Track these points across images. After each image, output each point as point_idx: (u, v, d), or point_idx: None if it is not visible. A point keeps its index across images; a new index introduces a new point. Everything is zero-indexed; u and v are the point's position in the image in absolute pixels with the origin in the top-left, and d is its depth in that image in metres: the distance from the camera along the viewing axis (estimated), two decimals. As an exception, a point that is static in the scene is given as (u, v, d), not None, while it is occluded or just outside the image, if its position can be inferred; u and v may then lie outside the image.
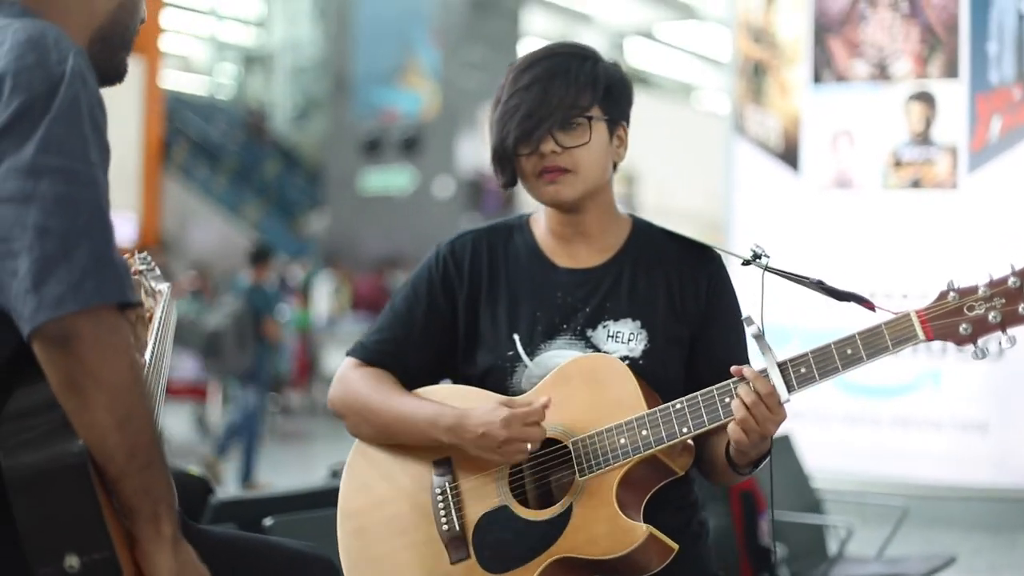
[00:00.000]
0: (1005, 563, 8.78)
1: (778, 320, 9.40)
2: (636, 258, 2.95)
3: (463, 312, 2.97)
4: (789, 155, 10.73)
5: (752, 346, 2.75)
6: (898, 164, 10.26)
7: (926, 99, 10.19)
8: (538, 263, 2.97)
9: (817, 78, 10.57)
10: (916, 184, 10.21)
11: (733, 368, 2.66)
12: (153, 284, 2.88)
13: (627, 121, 2.97)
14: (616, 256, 2.96)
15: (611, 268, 2.94)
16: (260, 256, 13.22)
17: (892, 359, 8.01)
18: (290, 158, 32.33)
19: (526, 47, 26.09)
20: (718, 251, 2.99)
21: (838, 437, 10.15)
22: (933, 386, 10.08)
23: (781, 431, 7.69)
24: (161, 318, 2.76)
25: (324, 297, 20.56)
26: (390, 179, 26.40)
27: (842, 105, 10.51)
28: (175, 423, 15.51)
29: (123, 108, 24.26)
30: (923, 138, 10.19)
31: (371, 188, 26.58)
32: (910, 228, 10.19)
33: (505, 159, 2.89)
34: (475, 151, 25.35)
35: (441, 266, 3.00)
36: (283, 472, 13.25)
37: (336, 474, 5.32)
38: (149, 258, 2.98)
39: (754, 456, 2.72)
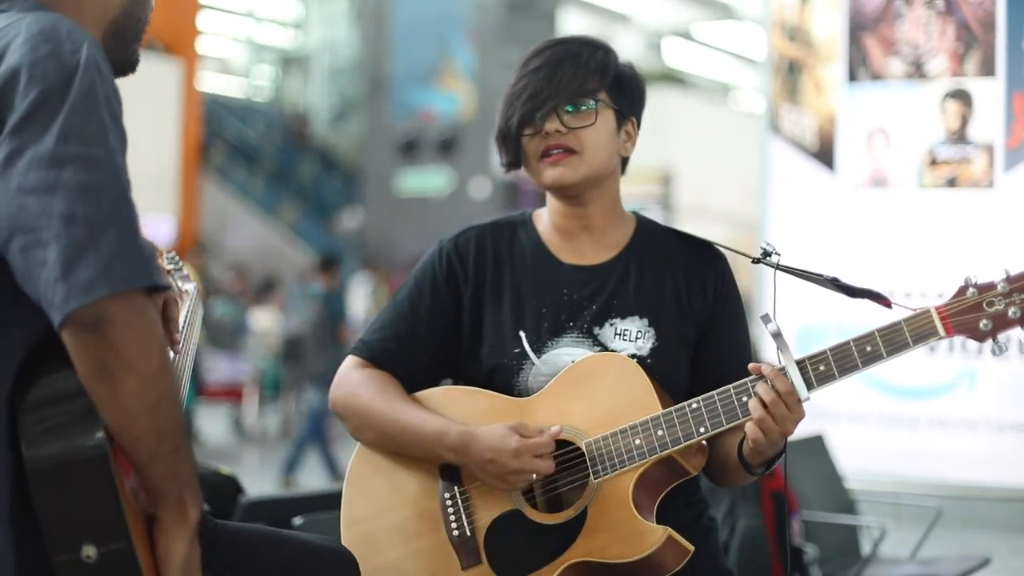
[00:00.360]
0: (1042, 564, 8.74)
1: (815, 320, 9.34)
2: (642, 255, 2.92)
3: (468, 309, 2.94)
4: (824, 154, 10.67)
5: (770, 345, 2.72)
6: (934, 163, 10.18)
7: (962, 97, 10.12)
8: (543, 259, 2.94)
9: (852, 76, 10.51)
10: (952, 183, 10.14)
11: (751, 366, 2.63)
12: (180, 284, 2.90)
13: (637, 120, 2.94)
14: (622, 253, 2.93)
15: (617, 265, 2.91)
16: (328, 264, 13.44)
17: (927, 359, 7.98)
18: (327, 159, 32.40)
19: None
20: (723, 250, 2.96)
21: (872, 437, 10.10)
22: (969, 386, 10.01)
23: (814, 431, 7.72)
24: (187, 318, 2.77)
25: (361, 298, 20.58)
26: (427, 180, 26.44)
27: (877, 103, 10.44)
28: (211, 424, 15.56)
29: (161, 111, 24.36)
30: (959, 136, 10.12)
31: (408, 189, 26.61)
32: (946, 227, 10.12)
33: (509, 139, 2.87)
34: (512, 152, 25.24)
35: (445, 262, 2.97)
36: (316, 473, 13.29)
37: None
38: (177, 257, 3.00)
39: (769, 455, 2.70)
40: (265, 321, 16.75)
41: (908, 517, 7.75)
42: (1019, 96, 9.91)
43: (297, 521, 4.26)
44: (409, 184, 26.65)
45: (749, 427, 2.61)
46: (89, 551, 2.02)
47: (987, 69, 10.02)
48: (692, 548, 2.70)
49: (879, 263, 9.78)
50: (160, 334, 2.08)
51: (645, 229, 2.99)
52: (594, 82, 2.84)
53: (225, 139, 29.66)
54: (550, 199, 2.95)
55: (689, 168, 26.42)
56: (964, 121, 10.09)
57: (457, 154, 25.97)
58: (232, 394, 15.49)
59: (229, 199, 27.91)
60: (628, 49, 30.60)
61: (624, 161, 2.98)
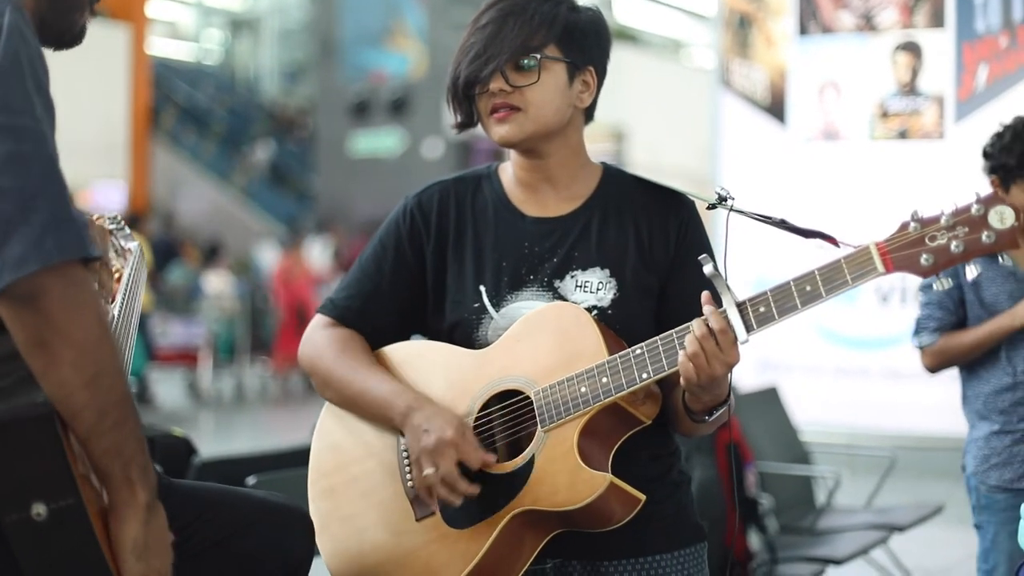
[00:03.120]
0: (996, 512, 8.78)
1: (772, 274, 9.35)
2: (606, 206, 2.89)
3: (431, 265, 2.92)
4: (775, 108, 10.69)
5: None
6: (885, 115, 10.22)
7: (912, 49, 10.15)
8: (505, 213, 2.91)
9: (803, 30, 10.53)
10: (903, 135, 10.18)
11: (704, 294, 2.59)
12: (123, 243, 2.88)
13: (596, 68, 2.90)
14: (585, 204, 2.89)
15: (580, 217, 2.88)
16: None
17: (879, 310, 7.98)
18: (278, 123, 32.25)
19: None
20: (690, 197, 2.93)
21: (826, 389, 10.16)
22: (922, 337, 10.07)
23: (768, 383, 7.72)
24: (131, 276, 2.74)
25: (317, 260, 20.55)
26: (379, 141, 26.37)
27: (828, 56, 10.47)
28: (167, 389, 15.51)
29: (110, 76, 24.18)
30: (909, 88, 10.15)
31: (360, 150, 26.53)
32: (897, 179, 10.16)
33: (459, 98, 2.85)
34: (464, 112, 25.21)
35: (408, 219, 2.95)
36: (273, 436, 13.29)
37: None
38: (119, 217, 2.97)
39: (708, 401, 2.65)
40: (218, 284, 16.69)
41: (862, 467, 7.81)
42: (968, 47, 9.95)
43: (251, 481, 4.25)
44: (362, 145, 26.57)
45: (681, 361, 2.56)
46: (39, 508, 2.00)
47: (936, 20, 10.05)
48: (642, 497, 2.67)
49: (831, 215, 9.80)
50: (99, 305, 2.05)
51: (611, 179, 2.96)
52: (540, 37, 2.79)
53: (175, 104, 29.48)
54: (512, 152, 2.93)
55: (642, 125, 26.44)
56: (914, 73, 10.12)
57: (409, 115, 25.90)
58: (187, 358, 15.44)
59: (180, 164, 27.78)
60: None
61: (590, 111, 2.94)
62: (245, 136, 30.32)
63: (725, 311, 2.55)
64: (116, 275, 2.71)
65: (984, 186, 10.11)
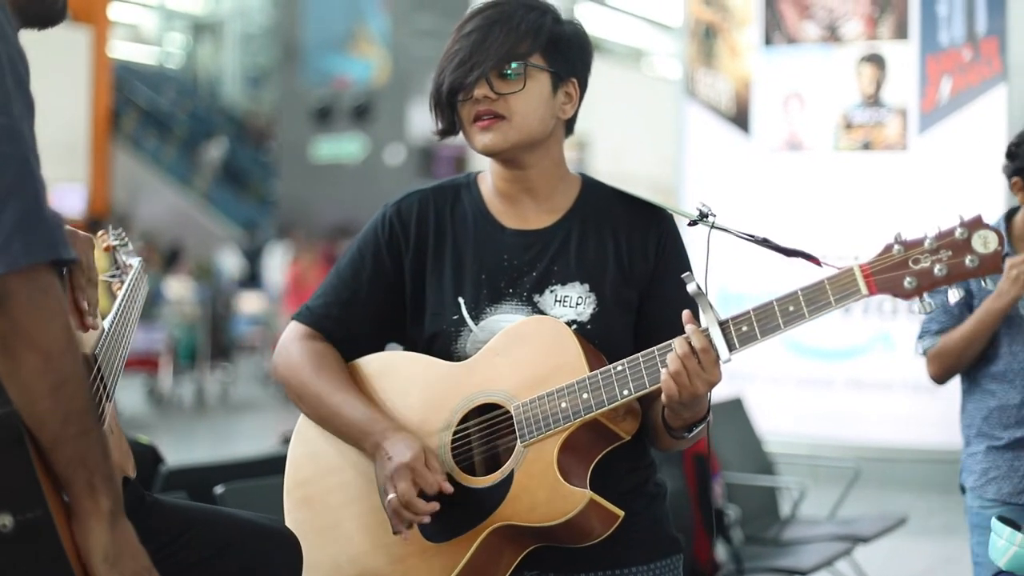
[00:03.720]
0: (957, 523, 8.79)
1: (737, 287, 9.41)
2: (585, 219, 2.87)
3: (409, 275, 2.89)
4: (740, 117, 10.72)
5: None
6: (849, 126, 10.27)
7: (876, 61, 10.20)
8: (485, 224, 2.89)
9: (768, 40, 10.57)
10: (867, 146, 10.23)
11: (685, 313, 2.59)
12: (125, 259, 2.89)
13: (579, 80, 2.89)
14: (565, 217, 2.88)
15: (559, 230, 2.86)
16: None
17: (843, 321, 8.00)
18: (240, 127, 32.15)
19: (476, 13, 26.02)
20: (669, 211, 2.93)
21: (790, 400, 10.18)
22: (884, 348, 10.12)
23: (733, 394, 7.73)
24: (128, 290, 2.72)
25: (277, 266, 20.48)
26: (341, 147, 26.30)
27: (793, 67, 10.51)
28: (127, 395, 15.42)
29: (71, 78, 24.04)
30: (874, 100, 10.20)
31: (322, 156, 26.47)
32: (861, 190, 10.22)
33: (442, 105, 2.83)
34: (426, 118, 25.15)
35: (387, 228, 2.92)
36: (234, 442, 13.24)
37: (288, 441, 5.28)
38: (123, 233, 2.95)
39: (688, 418, 2.65)
40: (179, 289, 16.62)
41: (826, 478, 7.83)
42: (932, 60, 10.00)
43: (219, 490, 4.22)
44: (324, 151, 26.50)
45: (663, 380, 2.55)
46: (5, 520, 1.96)
47: (901, 33, 10.10)
48: (621, 513, 2.66)
49: (795, 226, 9.85)
50: (65, 311, 2.00)
51: (590, 191, 2.94)
52: (525, 45, 2.77)
53: (137, 107, 29.34)
54: (491, 162, 2.90)
55: (604, 134, 26.45)
56: (878, 85, 10.18)
57: (372, 121, 25.85)
58: (147, 364, 15.34)
59: (141, 168, 27.64)
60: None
61: (570, 123, 2.93)
62: (206, 140, 30.21)
63: (707, 330, 2.55)
64: (117, 290, 2.70)
65: (948, 197, 10.19)
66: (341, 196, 25.26)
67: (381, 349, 2.96)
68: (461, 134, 2.87)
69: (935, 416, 9.99)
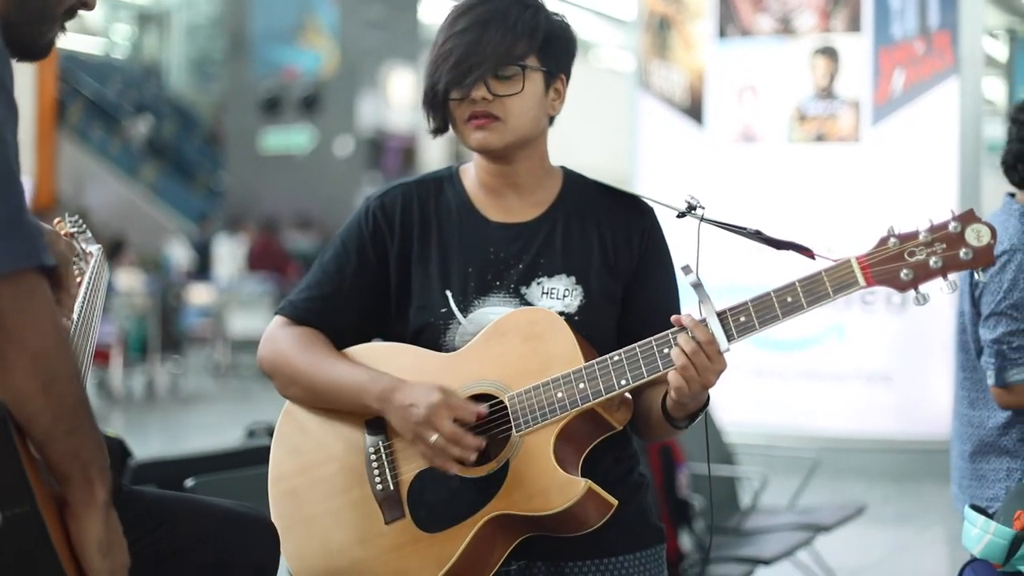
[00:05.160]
0: (911, 511, 8.92)
1: (714, 276, 9.48)
2: (569, 212, 2.89)
3: (394, 268, 2.89)
4: (694, 109, 10.78)
5: (691, 297, 2.72)
6: (802, 118, 10.34)
7: (830, 53, 10.27)
8: (469, 217, 2.90)
9: (722, 32, 10.62)
10: (820, 138, 10.31)
11: (674, 317, 2.62)
12: (84, 246, 2.84)
13: (567, 75, 2.91)
14: (549, 210, 2.89)
15: (544, 222, 2.88)
16: None
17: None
18: (187, 118, 31.95)
19: (426, 6, 25.98)
20: (650, 203, 2.95)
21: (747, 391, 10.24)
22: (837, 339, 10.20)
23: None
24: (91, 279, 2.70)
25: (226, 258, 20.37)
26: (290, 138, 26.19)
27: (747, 59, 10.57)
28: (77, 387, 15.31)
29: (15, 69, 23.76)
30: (827, 92, 10.27)
31: (271, 147, 26.35)
32: (814, 181, 10.29)
33: (436, 104, 2.82)
34: (375, 110, 25.20)
35: (371, 221, 2.91)
36: (185, 435, 13.19)
37: (253, 434, 5.29)
38: (80, 220, 2.92)
39: (692, 408, 2.69)
40: (129, 281, 16.51)
41: (783, 468, 7.88)
42: (885, 52, 10.08)
43: (190, 483, 4.21)
44: (272, 142, 26.38)
45: (672, 376, 2.60)
46: None
47: (854, 25, 10.18)
48: (615, 502, 2.69)
49: (748, 217, 9.88)
50: (53, 312, 2.01)
51: (572, 183, 2.96)
52: (522, 46, 2.78)
53: (83, 98, 29.09)
54: (477, 157, 2.90)
55: (555, 125, 26.44)
56: (832, 77, 10.25)
57: (320, 112, 25.74)
58: (98, 356, 15.23)
59: (87, 159, 27.42)
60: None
61: (552, 116, 2.94)
62: (155, 131, 30.00)
63: (705, 320, 2.58)
64: (78, 279, 2.67)
65: (900, 189, 10.30)
66: (290, 187, 25.17)
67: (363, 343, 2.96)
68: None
69: (888, 406, 10.10)
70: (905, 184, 9.81)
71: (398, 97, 25.64)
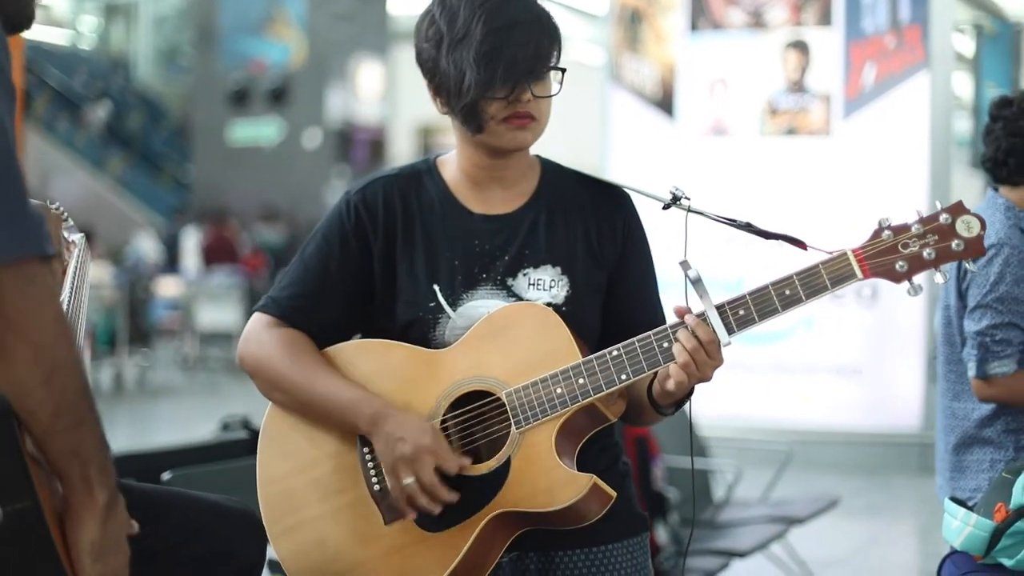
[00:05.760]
0: (881, 504, 8.96)
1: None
2: (551, 202, 2.88)
3: (379, 262, 2.85)
4: (665, 103, 10.79)
5: (669, 285, 2.73)
6: (773, 112, 10.37)
7: (801, 47, 10.30)
8: (452, 209, 2.87)
9: (693, 26, 10.63)
10: (791, 131, 10.34)
11: (675, 308, 2.64)
12: (67, 235, 2.82)
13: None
14: (531, 200, 2.88)
15: (527, 213, 2.86)
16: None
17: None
18: (155, 109, 31.80)
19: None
20: (631, 192, 2.94)
21: (719, 384, 10.25)
22: (806, 332, 10.23)
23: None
24: (76, 268, 2.68)
25: (192, 251, 20.31)
26: (258, 130, 26.13)
27: (718, 53, 10.58)
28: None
29: None
30: (798, 86, 10.30)
31: (239, 139, 26.28)
32: (785, 175, 10.32)
33: (474, 102, 2.74)
34: (343, 102, 25.18)
35: (353, 215, 2.86)
36: (153, 428, 13.16)
37: (227, 427, 5.25)
38: (62, 208, 2.89)
39: (679, 396, 2.71)
40: (97, 274, 16.44)
41: (755, 461, 7.90)
42: (856, 46, 10.11)
43: (166, 476, 4.19)
44: (240, 134, 26.31)
45: (673, 370, 2.61)
46: None
47: (825, 19, 10.21)
48: (614, 494, 2.70)
49: (720, 211, 9.91)
50: (55, 300, 1.99)
51: (550, 173, 2.94)
52: (556, 48, 2.80)
53: (49, 89, 28.92)
54: (465, 149, 2.85)
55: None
56: (803, 71, 10.28)
57: (288, 104, 25.70)
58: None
59: (54, 151, 27.26)
60: None
61: None
62: (120, 122, 29.86)
63: (704, 314, 2.59)
64: (63, 268, 2.65)
65: (871, 182, 10.35)
66: (258, 180, 25.12)
67: (347, 339, 2.90)
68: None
69: (858, 399, 10.14)
70: (876, 178, 9.85)
71: (366, 90, 25.62)
